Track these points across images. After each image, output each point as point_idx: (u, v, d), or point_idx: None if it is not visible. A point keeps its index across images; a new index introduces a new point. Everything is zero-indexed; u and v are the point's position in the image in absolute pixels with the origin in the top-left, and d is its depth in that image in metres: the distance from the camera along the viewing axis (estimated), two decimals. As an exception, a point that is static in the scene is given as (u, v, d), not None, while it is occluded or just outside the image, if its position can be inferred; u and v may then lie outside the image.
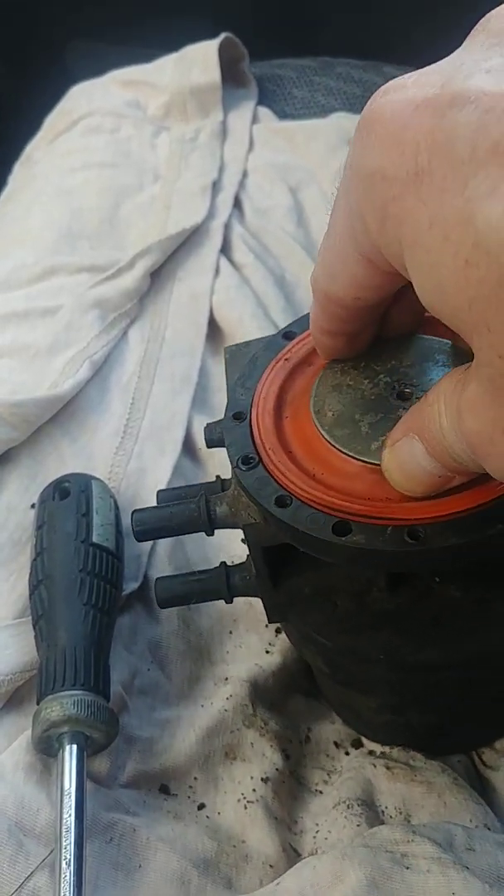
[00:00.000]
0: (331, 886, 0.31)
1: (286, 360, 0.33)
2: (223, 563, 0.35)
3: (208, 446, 0.35)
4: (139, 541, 0.34)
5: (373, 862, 0.32)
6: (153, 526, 0.33)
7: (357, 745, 0.40)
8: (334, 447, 0.29)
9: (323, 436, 0.29)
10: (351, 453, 0.28)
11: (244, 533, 0.31)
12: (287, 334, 0.34)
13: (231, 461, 0.30)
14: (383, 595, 0.31)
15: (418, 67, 0.74)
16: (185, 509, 0.32)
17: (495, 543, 0.26)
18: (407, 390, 0.29)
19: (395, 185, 0.22)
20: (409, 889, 0.31)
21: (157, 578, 0.35)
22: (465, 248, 0.20)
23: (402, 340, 0.31)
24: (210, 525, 0.32)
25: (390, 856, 0.32)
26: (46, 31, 0.87)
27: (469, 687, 0.33)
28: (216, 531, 0.36)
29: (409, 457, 0.26)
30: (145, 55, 0.79)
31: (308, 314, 0.33)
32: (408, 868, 0.32)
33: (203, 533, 0.46)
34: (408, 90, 0.23)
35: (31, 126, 0.72)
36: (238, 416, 0.31)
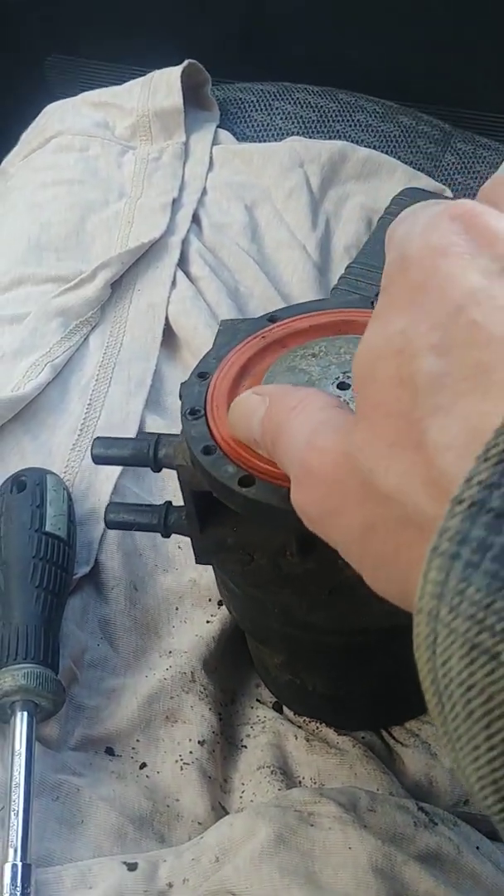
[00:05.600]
0: (244, 841, 0.36)
1: (263, 337, 0.36)
2: (168, 501, 0.39)
3: (95, 461, 0.38)
4: (96, 463, 0.38)
5: (281, 820, 0.36)
6: (109, 453, 0.37)
7: (278, 708, 0.44)
8: None
9: None
10: None
11: (177, 474, 0.35)
12: (272, 317, 0.37)
13: (182, 410, 0.34)
14: (294, 559, 0.34)
15: (370, 95, 0.78)
16: (139, 445, 0.36)
17: None
18: (347, 381, 0.33)
19: None
20: (311, 843, 0.35)
21: (109, 503, 0.39)
22: None
23: None
24: (155, 462, 0.36)
25: (298, 814, 0.36)
26: (26, 44, 0.91)
27: (355, 658, 0.37)
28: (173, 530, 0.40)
29: (250, 411, 0.28)
30: (120, 70, 0.83)
31: (295, 305, 0.37)
32: (312, 825, 0.36)
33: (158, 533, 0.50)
34: None
35: (8, 137, 0.75)
36: (202, 375, 0.35)
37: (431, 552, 0.18)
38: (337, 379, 0.33)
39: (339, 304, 0.37)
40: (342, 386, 0.33)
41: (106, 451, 0.38)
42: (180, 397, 0.37)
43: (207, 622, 0.46)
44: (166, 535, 0.39)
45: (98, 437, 0.38)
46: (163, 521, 0.38)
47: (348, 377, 0.33)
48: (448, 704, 0.17)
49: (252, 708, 0.44)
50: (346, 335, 0.36)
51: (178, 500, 0.37)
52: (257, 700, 0.44)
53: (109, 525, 0.39)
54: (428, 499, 0.20)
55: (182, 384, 0.38)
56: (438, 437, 0.19)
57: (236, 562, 0.36)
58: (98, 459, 0.38)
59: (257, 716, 0.44)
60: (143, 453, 0.36)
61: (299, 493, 0.25)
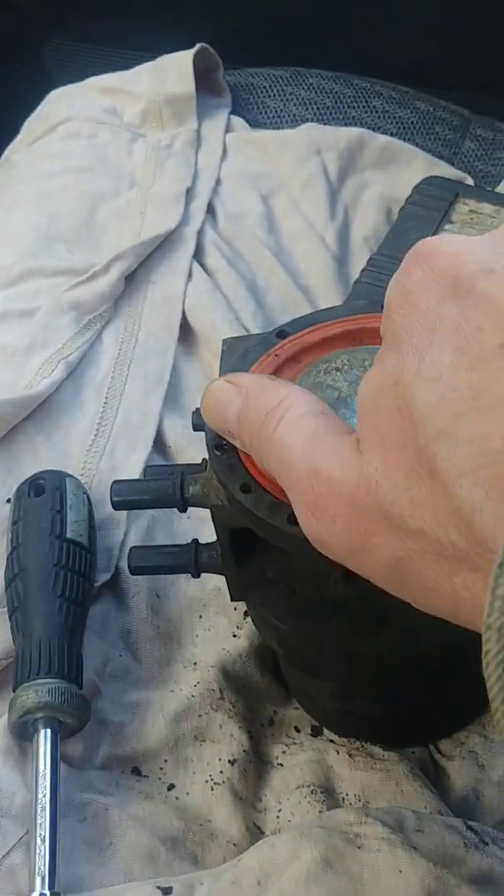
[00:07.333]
0: (288, 863, 0.34)
1: (276, 355, 0.34)
2: (195, 539, 0.37)
3: (194, 429, 0.36)
4: (116, 509, 0.36)
5: (327, 841, 0.34)
6: (130, 497, 0.35)
7: (317, 732, 0.42)
8: None
9: None
10: None
11: (211, 514, 0.33)
12: (280, 332, 0.34)
13: (207, 445, 0.31)
14: (339, 587, 0.32)
15: (385, 80, 0.76)
16: (162, 485, 0.34)
17: None
18: None
19: None
20: (360, 866, 0.33)
21: (132, 547, 0.36)
22: None
23: None
24: (182, 502, 0.33)
25: (344, 836, 0.34)
26: (23, 30, 0.88)
27: (412, 679, 0.35)
28: (189, 522, 0.37)
29: (224, 403, 0.28)
30: (123, 56, 0.80)
31: (302, 317, 0.35)
32: (359, 847, 0.34)
33: (174, 527, 0.48)
34: None
35: (6, 125, 0.73)
36: None
37: (500, 567, 0.17)
38: None
39: (349, 312, 0.35)
40: None
41: (126, 497, 0.35)
42: (194, 427, 0.34)
43: (234, 636, 0.44)
44: (197, 575, 0.37)
45: (116, 482, 0.35)
46: (193, 561, 0.36)
47: None
48: None
49: (287, 729, 0.42)
50: (365, 346, 0.33)
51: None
52: (294, 727, 0.42)
53: (133, 572, 0.37)
54: (457, 532, 0.19)
55: (195, 412, 0.36)
56: (449, 463, 0.19)
57: (278, 595, 0.34)
58: (119, 506, 0.35)
59: (293, 736, 0.42)
60: (167, 494, 0.34)
61: (315, 528, 0.24)
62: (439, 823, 0.35)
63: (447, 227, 0.59)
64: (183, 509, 0.34)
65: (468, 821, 0.36)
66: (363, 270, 0.57)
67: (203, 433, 0.32)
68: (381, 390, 0.22)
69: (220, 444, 0.31)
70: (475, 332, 0.20)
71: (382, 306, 0.33)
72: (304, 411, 0.25)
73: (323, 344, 0.34)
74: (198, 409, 0.36)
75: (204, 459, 0.36)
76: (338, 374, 0.32)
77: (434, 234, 0.59)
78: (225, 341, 0.36)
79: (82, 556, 0.42)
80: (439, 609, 0.22)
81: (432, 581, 0.21)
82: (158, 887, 0.35)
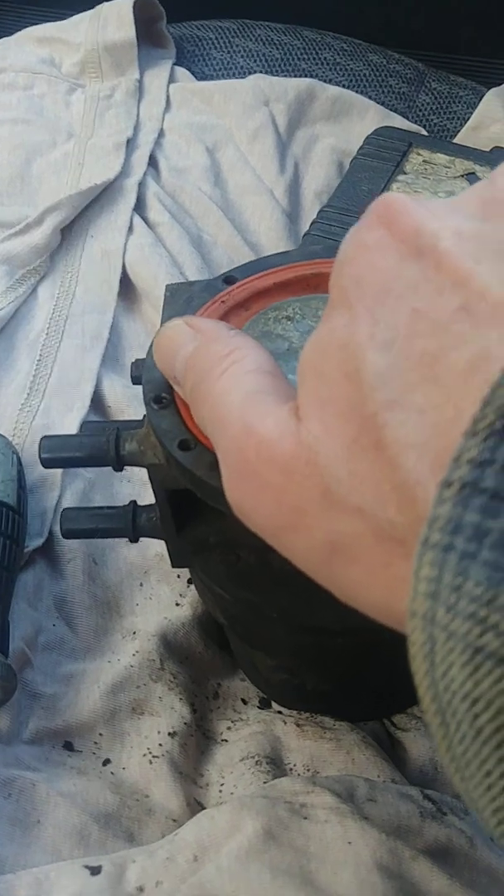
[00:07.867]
0: (228, 836, 0.31)
1: (222, 302, 0.31)
2: (133, 501, 0.34)
3: (133, 383, 0.33)
4: (46, 467, 0.33)
5: (270, 812, 0.31)
6: (61, 454, 0.32)
7: (265, 704, 0.39)
8: None
9: None
10: None
11: (148, 473, 0.30)
12: (228, 279, 0.32)
13: (144, 398, 0.29)
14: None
15: (336, 32, 0.72)
16: (96, 441, 0.31)
17: None
18: None
19: None
20: (305, 839, 0.31)
21: (65, 509, 0.34)
22: None
23: None
24: (117, 460, 0.31)
25: (289, 806, 0.32)
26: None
27: (363, 655, 0.32)
28: (130, 485, 0.34)
29: (177, 344, 0.25)
30: (65, 15, 0.77)
31: (252, 262, 0.33)
32: (306, 818, 0.32)
33: (114, 490, 0.45)
34: None
35: None
36: None
37: (422, 545, 0.16)
38: None
39: (303, 257, 0.32)
40: None
41: (57, 454, 0.32)
42: (133, 379, 0.32)
43: (177, 604, 0.41)
44: (135, 539, 0.34)
45: (45, 437, 0.32)
46: (130, 524, 0.33)
47: None
48: (452, 723, 0.15)
49: (233, 702, 0.39)
50: (318, 294, 0.31)
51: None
52: (241, 699, 0.40)
53: (66, 535, 0.34)
54: (397, 510, 0.18)
55: (134, 364, 0.33)
56: (397, 434, 0.18)
57: (220, 562, 0.31)
58: (48, 463, 0.32)
59: (239, 710, 0.39)
60: (102, 451, 0.31)
61: (238, 497, 0.21)
62: (393, 792, 0.33)
63: (400, 178, 0.57)
64: (118, 468, 0.31)
65: (425, 789, 0.34)
66: (313, 223, 0.55)
67: (142, 387, 0.30)
68: (326, 353, 0.20)
69: (158, 397, 0.28)
70: (434, 294, 0.18)
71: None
72: (251, 368, 0.23)
73: (274, 290, 0.31)
74: (137, 360, 0.33)
75: (144, 416, 0.33)
76: (288, 323, 0.30)
77: (386, 185, 0.56)
78: (168, 287, 0.33)
79: (10, 518, 0.39)
80: (373, 605, 0.20)
81: (367, 572, 0.19)
82: (87, 867, 0.32)
